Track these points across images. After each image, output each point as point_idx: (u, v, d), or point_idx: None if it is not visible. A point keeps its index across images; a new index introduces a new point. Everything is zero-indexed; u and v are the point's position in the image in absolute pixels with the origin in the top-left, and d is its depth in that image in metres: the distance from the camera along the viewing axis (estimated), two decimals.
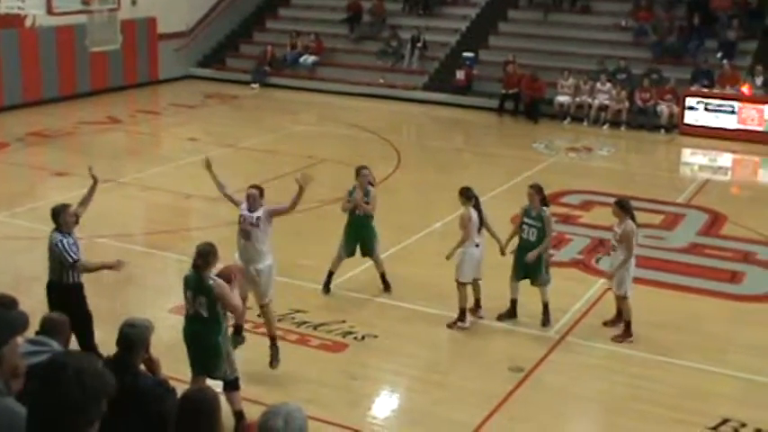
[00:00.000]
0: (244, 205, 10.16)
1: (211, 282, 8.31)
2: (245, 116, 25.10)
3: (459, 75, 26.31)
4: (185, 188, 17.15)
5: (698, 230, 15.72)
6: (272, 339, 9.99)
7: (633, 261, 11.13)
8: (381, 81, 27.75)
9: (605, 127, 23.97)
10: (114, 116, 23.88)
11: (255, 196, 10.06)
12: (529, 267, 11.28)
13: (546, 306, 11.36)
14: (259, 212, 9.97)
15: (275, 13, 31.99)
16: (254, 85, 28.44)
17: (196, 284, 8.40)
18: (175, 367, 8.05)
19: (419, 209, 16.50)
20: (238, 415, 8.63)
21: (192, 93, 27.53)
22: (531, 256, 11.14)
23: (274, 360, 9.87)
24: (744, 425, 9.18)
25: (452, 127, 24.69)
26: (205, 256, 8.42)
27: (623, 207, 11.14)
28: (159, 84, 28.67)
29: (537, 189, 11.39)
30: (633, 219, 11.07)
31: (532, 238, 11.23)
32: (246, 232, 9.99)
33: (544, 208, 11.34)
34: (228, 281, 8.47)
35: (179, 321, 10.29)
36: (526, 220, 11.31)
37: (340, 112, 25.37)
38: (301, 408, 4.26)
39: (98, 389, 3.38)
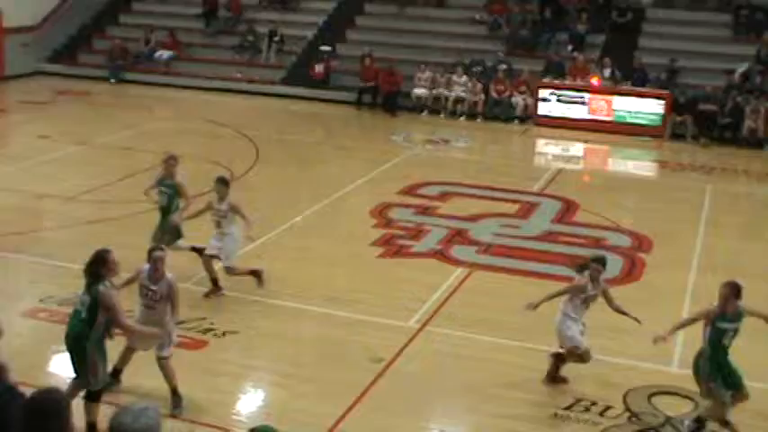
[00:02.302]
0: (144, 274, 8.90)
1: (101, 287, 8.04)
2: (98, 113, 24.42)
3: (318, 68, 26.32)
4: (37, 188, 16.61)
5: (552, 218, 16.18)
6: (173, 391, 9.13)
7: (238, 232, 11.81)
8: (238, 75, 27.51)
9: (462, 119, 24.41)
10: None
11: (162, 261, 8.85)
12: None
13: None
14: (163, 287, 8.79)
15: (129, 7, 31.31)
16: (112, 81, 27.80)
17: (86, 286, 8.14)
18: (26, 372, 7.81)
19: (279, 204, 16.41)
20: (91, 426, 8.34)
21: (43, 89, 26.67)
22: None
23: (176, 407, 9.03)
24: (594, 403, 9.54)
25: (311, 121, 24.66)
26: (92, 264, 8.12)
27: (225, 183, 11.97)
28: (6, 80, 27.61)
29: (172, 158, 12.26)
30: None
31: (164, 203, 12.12)
32: (150, 306, 8.92)
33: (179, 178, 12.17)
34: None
35: (31, 326, 10.03)
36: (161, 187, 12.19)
37: (197, 107, 25.02)
38: (156, 407, 4.20)
39: None
